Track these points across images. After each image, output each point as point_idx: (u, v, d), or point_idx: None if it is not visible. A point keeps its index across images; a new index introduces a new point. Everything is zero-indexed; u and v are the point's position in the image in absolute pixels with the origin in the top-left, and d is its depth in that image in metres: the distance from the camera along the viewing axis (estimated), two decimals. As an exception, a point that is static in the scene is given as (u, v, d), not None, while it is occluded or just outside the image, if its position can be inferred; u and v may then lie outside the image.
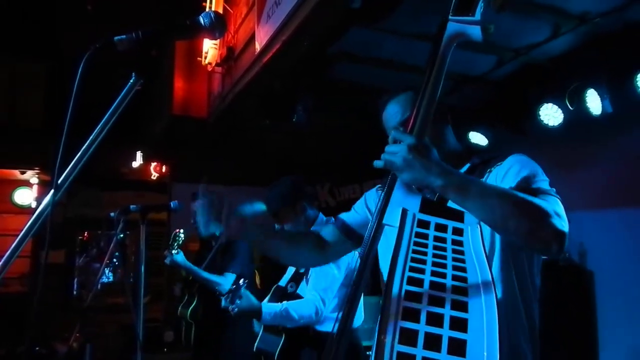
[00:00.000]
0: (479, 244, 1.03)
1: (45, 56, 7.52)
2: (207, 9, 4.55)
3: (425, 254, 1.00)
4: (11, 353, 6.26)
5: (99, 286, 2.94)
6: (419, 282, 0.94)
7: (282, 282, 2.64)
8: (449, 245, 1.03)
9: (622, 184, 3.75)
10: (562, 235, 1.05)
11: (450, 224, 1.06)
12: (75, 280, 8.28)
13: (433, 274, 0.95)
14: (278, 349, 2.38)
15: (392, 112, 1.42)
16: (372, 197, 1.60)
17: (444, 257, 0.99)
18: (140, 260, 2.62)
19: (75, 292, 8.21)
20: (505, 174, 1.25)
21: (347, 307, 1.06)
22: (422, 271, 0.96)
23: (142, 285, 2.57)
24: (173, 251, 3.27)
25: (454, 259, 0.99)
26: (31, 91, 7.69)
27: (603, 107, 3.44)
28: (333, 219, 2.57)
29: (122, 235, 2.84)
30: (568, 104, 3.68)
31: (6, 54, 7.40)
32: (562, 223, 1.07)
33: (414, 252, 1.00)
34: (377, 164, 1.08)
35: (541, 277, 1.31)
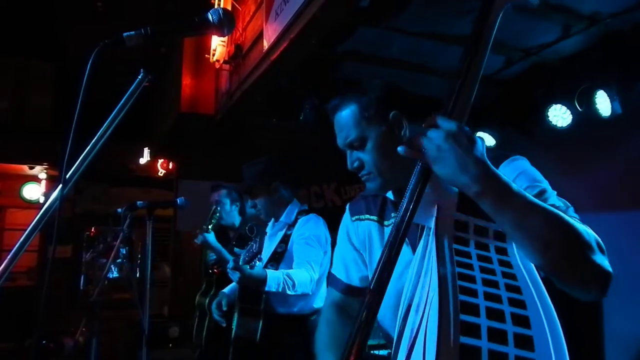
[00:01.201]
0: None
1: (53, 55, 7.59)
2: (216, 6, 4.56)
3: (472, 277, 0.81)
4: (19, 346, 6.32)
5: (105, 281, 2.96)
6: (474, 310, 0.76)
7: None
8: (493, 255, 0.85)
9: (632, 185, 3.72)
10: (607, 277, 0.86)
11: (491, 227, 0.89)
12: (82, 275, 8.34)
13: (486, 298, 0.78)
14: (259, 334, 2.34)
15: (339, 126, 1.23)
16: (352, 229, 1.43)
17: (496, 284, 0.80)
18: (147, 256, 2.63)
19: (82, 287, 8.27)
20: None
21: (368, 314, 0.85)
22: (474, 293, 0.78)
23: (148, 281, 2.58)
24: (209, 227, 3.18)
25: (507, 287, 0.80)
26: (39, 89, 7.75)
27: (613, 108, 3.42)
28: (306, 206, 2.63)
29: (127, 231, 2.85)
30: (577, 105, 3.65)
31: (15, 53, 7.47)
32: (606, 260, 0.87)
33: (460, 272, 0.82)
34: (401, 150, 0.89)
35: (549, 280, 1.20)
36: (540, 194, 1.00)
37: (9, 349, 6.48)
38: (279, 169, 2.58)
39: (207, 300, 3.41)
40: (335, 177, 6.51)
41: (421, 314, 0.81)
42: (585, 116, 3.62)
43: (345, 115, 1.21)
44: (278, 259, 2.44)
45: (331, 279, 1.46)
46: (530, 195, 0.87)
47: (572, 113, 3.72)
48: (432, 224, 0.89)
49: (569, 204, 1.01)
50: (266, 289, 2.20)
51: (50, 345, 5.46)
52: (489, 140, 4.35)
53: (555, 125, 3.81)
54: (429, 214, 0.90)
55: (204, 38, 5.12)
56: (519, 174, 1.05)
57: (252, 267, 2.19)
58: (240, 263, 2.19)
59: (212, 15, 1.04)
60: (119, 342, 5.76)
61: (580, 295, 0.87)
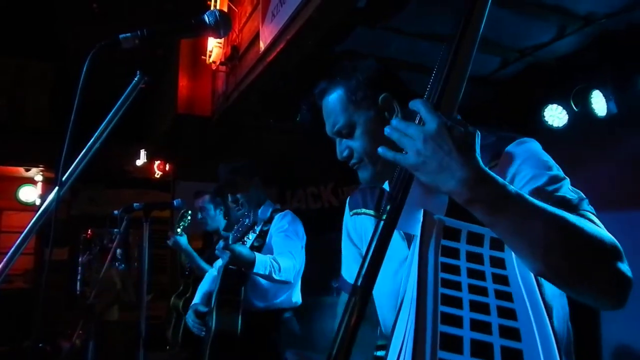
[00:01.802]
0: (524, 267, 0.74)
1: (52, 56, 7.57)
2: (212, 8, 4.55)
3: (459, 287, 0.69)
4: (16, 349, 6.29)
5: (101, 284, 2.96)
6: (457, 344, 0.64)
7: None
8: (487, 269, 0.72)
9: (628, 185, 3.73)
10: (626, 283, 0.74)
11: (488, 234, 0.76)
12: (79, 277, 8.29)
13: (473, 327, 0.65)
14: (239, 327, 2.35)
15: (327, 112, 1.15)
16: (351, 225, 1.37)
17: (486, 308, 0.68)
18: (144, 258, 2.62)
19: (78, 290, 8.22)
20: (511, 182, 0.89)
21: (353, 319, 0.72)
22: (458, 322, 0.65)
23: (145, 283, 2.58)
24: (178, 230, 3.23)
25: (500, 311, 0.67)
26: (37, 90, 7.73)
27: (608, 108, 3.43)
28: (279, 205, 2.69)
29: (123, 233, 2.86)
30: (573, 105, 3.67)
31: (14, 53, 7.45)
32: (624, 265, 0.76)
33: (444, 284, 0.70)
34: (384, 153, 0.79)
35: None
36: (550, 183, 0.88)
37: (6, 352, 6.44)
38: (255, 168, 2.70)
39: (181, 303, 3.44)
40: (332, 178, 6.51)
41: (402, 337, 0.70)
42: (581, 116, 3.64)
43: (332, 100, 1.12)
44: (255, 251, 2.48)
45: (343, 283, 1.38)
46: (529, 198, 0.76)
47: (568, 113, 3.74)
48: (419, 232, 0.76)
49: (583, 196, 0.89)
50: (255, 270, 2.20)
51: (47, 348, 5.43)
52: (486, 140, 4.36)
53: (552, 125, 3.82)
54: (415, 220, 0.77)
55: (201, 39, 5.11)
56: (526, 158, 0.93)
57: (244, 243, 2.21)
58: (231, 242, 2.19)
59: (208, 17, 1.04)
60: (116, 345, 5.73)
61: (595, 304, 0.77)
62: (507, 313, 0.67)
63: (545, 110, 3.83)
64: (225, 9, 4.79)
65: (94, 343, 2.82)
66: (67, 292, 7.77)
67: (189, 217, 3.32)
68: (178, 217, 3.30)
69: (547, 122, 3.83)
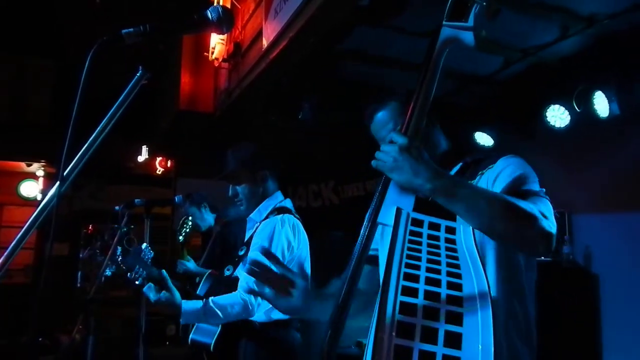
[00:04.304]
0: (471, 243, 1.04)
1: (53, 53, 7.57)
2: (215, 4, 4.55)
3: (419, 258, 0.99)
4: (15, 343, 6.31)
5: (102, 279, 2.96)
6: (413, 292, 0.92)
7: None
8: (442, 244, 1.03)
9: (629, 186, 3.73)
10: (549, 236, 1.07)
11: (443, 223, 1.06)
12: (79, 272, 8.31)
13: (428, 281, 0.93)
14: (214, 340, 2.21)
15: (382, 122, 1.43)
16: None
17: (438, 262, 0.98)
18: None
19: (78, 285, 8.24)
20: (496, 177, 1.26)
21: (340, 305, 1.05)
22: (416, 279, 0.94)
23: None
24: (180, 238, 3.28)
25: (449, 264, 0.98)
26: (39, 85, 7.73)
27: (610, 109, 3.42)
28: (288, 201, 2.40)
29: (125, 229, 2.85)
30: (575, 106, 3.66)
31: (14, 50, 7.45)
32: (549, 224, 1.09)
33: (409, 254, 0.99)
34: (373, 163, 1.09)
35: (544, 281, 1.27)
36: (521, 179, 1.23)
37: (6, 346, 6.47)
38: (267, 157, 2.41)
39: None
40: (333, 176, 6.51)
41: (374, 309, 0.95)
42: (584, 117, 3.63)
43: (390, 110, 1.43)
44: (237, 262, 2.27)
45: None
46: (474, 185, 1.15)
47: (570, 114, 3.73)
48: (392, 222, 1.06)
49: (543, 190, 1.22)
50: (182, 322, 2.01)
51: (47, 342, 5.45)
52: (487, 140, 4.35)
53: (554, 126, 3.82)
54: (390, 214, 1.08)
55: (203, 36, 5.11)
56: (509, 164, 1.27)
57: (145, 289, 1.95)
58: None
59: (211, 13, 1.04)
60: (115, 340, 5.75)
61: (529, 253, 1.16)
62: (455, 275, 0.95)
63: (548, 110, 3.83)
64: (228, 6, 4.78)
65: (93, 338, 2.82)
66: (68, 287, 7.80)
67: (190, 223, 3.35)
68: (179, 226, 3.33)
69: (549, 122, 3.83)
